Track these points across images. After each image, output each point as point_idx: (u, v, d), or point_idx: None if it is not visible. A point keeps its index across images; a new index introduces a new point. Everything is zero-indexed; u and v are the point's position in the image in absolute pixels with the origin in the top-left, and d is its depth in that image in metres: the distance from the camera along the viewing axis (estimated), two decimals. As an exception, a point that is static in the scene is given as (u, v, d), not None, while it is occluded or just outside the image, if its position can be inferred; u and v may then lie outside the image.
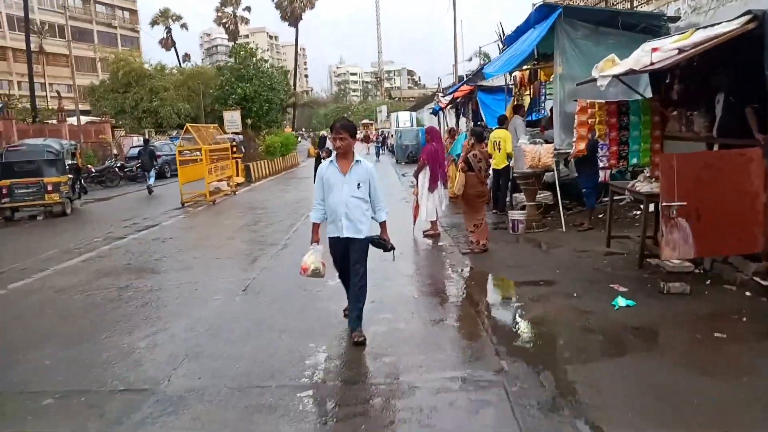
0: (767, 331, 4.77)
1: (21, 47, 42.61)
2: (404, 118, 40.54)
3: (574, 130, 8.05)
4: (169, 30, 63.61)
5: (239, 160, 20.58)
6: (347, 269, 4.88)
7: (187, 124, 15.61)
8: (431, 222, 9.55)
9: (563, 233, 9.10)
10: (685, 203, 5.70)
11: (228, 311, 5.79)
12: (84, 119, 37.36)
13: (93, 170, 23.48)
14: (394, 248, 4.99)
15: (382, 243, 4.92)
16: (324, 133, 33.55)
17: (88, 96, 43.80)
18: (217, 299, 6.23)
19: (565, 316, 5.27)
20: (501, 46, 25.21)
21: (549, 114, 12.49)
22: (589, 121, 7.72)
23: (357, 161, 4.79)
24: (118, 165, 24.67)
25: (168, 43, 63.75)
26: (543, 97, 11.66)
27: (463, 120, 24.83)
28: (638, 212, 10.16)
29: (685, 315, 5.10)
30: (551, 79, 12.20)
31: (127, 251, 9.32)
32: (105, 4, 57.96)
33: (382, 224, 5.01)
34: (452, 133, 21.97)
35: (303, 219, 11.92)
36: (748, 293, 5.61)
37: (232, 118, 19.95)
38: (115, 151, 31.16)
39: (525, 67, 12.43)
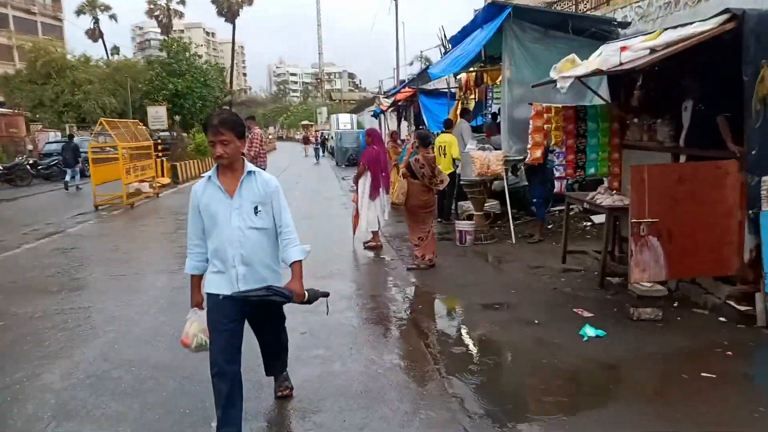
0: (760, 370, 4.18)
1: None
2: (344, 119, 39.56)
3: (529, 136, 7.39)
4: (96, 20, 59.92)
5: (165, 160, 19.01)
6: (238, 348, 3.18)
7: (102, 119, 14.04)
8: (372, 233, 8.67)
9: (514, 246, 8.44)
10: (657, 220, 5.09)
11: (120, 351, 4.65)
12: (-6, 111, 34.30)
13: (0, 167, 21.18)
14: (327, 295, 3.45)
15: (284, 296, 3.15)
16: (271, 129, 32.43)
17: (2, 87, 40.24)
18: (111, 332, 5.07)
19: (530, 351, 4.50)
20: (443, 49, 24.80)
21: (494, 119, 11.91)
22: (545, 126, 7.05)
23: (249, 173, 3.18)
24: (31, 162, 22.40)
25: (95, 34, 60.07)
26: (490, 101, 11.06)
27: (404, 124, 24.17)
28: (588, 224, 9.67)
29: (662, 348, 4.44)
30: (498, 83, 11.64)
31: (16, 265, 7.91)
32: (23, -12, 53.79)
33: (294, 267, 3.24)
34: (394, 136, 21.25)
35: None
36: (722, 318, 5.05)
37: (158, 113, 18.33)
38: (30, 147, 28.55)
39: (471, 69, 11.79)
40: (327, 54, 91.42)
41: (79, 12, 59.02)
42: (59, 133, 30.22)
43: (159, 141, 18.83)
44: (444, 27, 24.46)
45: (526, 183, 9.71)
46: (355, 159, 30.24)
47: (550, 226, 9.56)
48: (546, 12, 9.67)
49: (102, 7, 59.80)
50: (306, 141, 39.28)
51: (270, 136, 52.06)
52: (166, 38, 44.54)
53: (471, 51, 9.90)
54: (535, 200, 8.97)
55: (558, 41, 9.94)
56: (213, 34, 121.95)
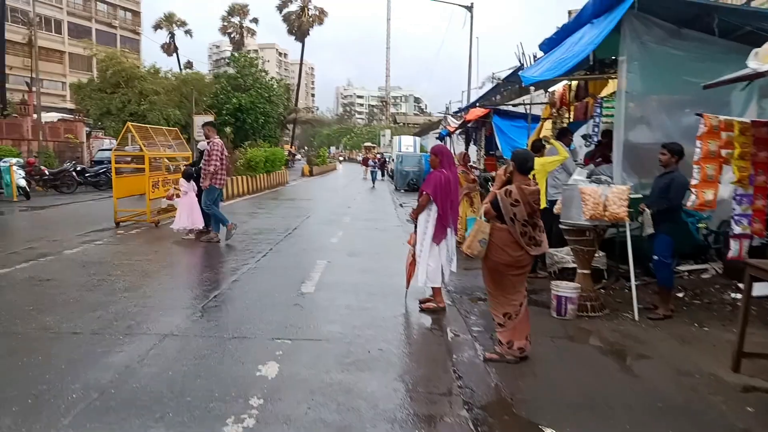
0: None
1: (10, 38, 39.75)
2: (407, 142, 37.43)
3: (696, 167, 4.70)
4: (172, 35, 60.91)
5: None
6: None
7: (129, 123, 12.33)
8: (433, 289, 6.17)
9: (637, 325, 5.73)
10: None
11: None
12: (56, 116, 34.19)
13: (47, 173, 20.12)
14: None
15: None
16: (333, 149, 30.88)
17: (75, 94, 40.59)
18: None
19: None
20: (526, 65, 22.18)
21: (598, 142, 9.22)
22: (723, 153, 4.38)
23: None
24: (78, 169, 21.29)
25: (170, 48, 61.01)
26: (597, 119, 8.42)
27: (473, 148, 21.60)
28: (738, 295, 6.79)
29: None
30: (608, 96, 8.98)
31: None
32: (107, 2, 55.32)
33: None
34: (465, 159, 18.74)
35: (255, 260, 8.54)
36: None
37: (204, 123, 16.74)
38: (87, 153, 27.93)
39: (573, 76, 9.16)
40: (394, 78, 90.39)
41: (157, 27, 60.27)
42: (114, 141, 29.48)
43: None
44: (522, 44, 21.96)
45: (651, 231, 6.97)
46: (416, 184, 27.87)
47: (680, 295, 6.78)
48: (684, 3, 7.04)
49: (178, 23, 60.82)
50: (365, 162, 37.20)
51: (337, 155, 50.49)
52: (234, 53, 44.07)
53: (578, 53, 7.33)
54: (657, 257, 6.23)
55: (694, 44, 7.32)
56: (285, 55, 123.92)
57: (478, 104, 18.83)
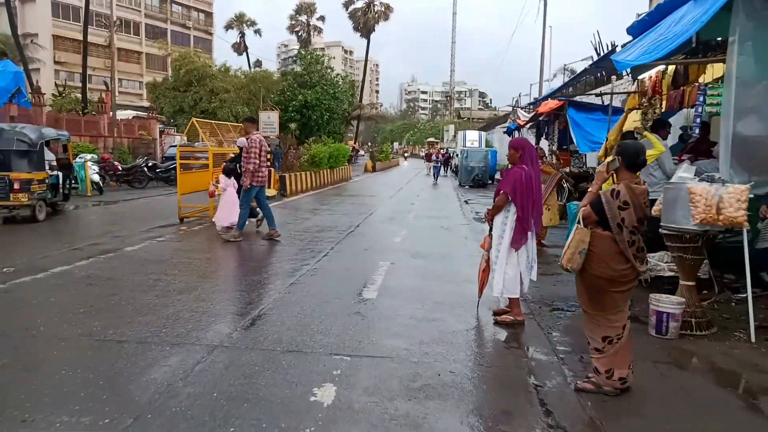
0: None
1: (93, 41, 41.74)
2: (472, 137, 36.29)
3: None
4: (242, 34, 62.26)
5: (272, 170, 17.11)
6: None
7: (193, 119, 12.23)
8: (510, 300, 5.45)
9: (754, 347, 4.81)
10: None
11: None
12: (131, 114, 35.41)
13: (120, 168, 20.69)
14: None
15: None
16: (396, 145, 30.27)
17: (150, 93, 42.15)
18: None
19: None
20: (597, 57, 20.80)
21: (697, 134, 8.12)
22: None
23: None
24: (149, 164, 21.78)
25: (241, 47, 62.39)
26: (699, 109, 7.36)
27: (544, 143, 20.43)
28: None
29: None
30: (708, 82, 7.88)
31: (9, 300, 5.73)
32: (181, 4, 57.16)
33: None
34: (539, 153, 17.75)
35: (316, 260, 8.07)
36: None
37: (269, 119, 16.58)
38: (159, 150, 28.71)
39: (671, 60, 8.08)
40: (459, 74, 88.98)
41: (228, 27, 61.74)
42: (185, 137, 30.19)
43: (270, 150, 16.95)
44: (599, 32, 20.55)
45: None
46: (482, 180, 26.91)
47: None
48: (811, -30, 5.93)
49: (249, 23, 62.08)
50: (429, 158, 36.32)
51: (401, 151, 50.00)
52: (301, 51, 44.36)
53: (679, 33, 6.35)
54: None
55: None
56: (351, 52, 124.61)
57: (550, 97, 17.76)
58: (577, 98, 17.58)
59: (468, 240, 10.28)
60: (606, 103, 17.37)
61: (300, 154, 19.60)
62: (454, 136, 55.94)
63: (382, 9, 55.35)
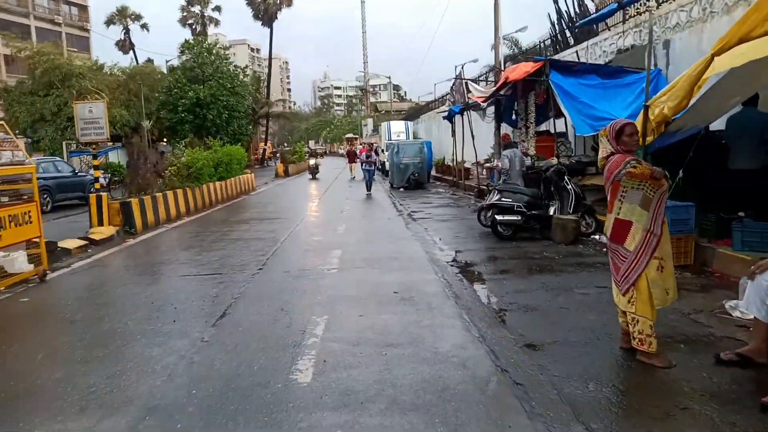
0: None
1: None
2: (398, 128, 30.50)
3: None
4: (127, 30, 53.21)
5: (105, 195, 10.32)
6: None
7: None
8: None
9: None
10: None
11: None
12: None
13: None
14: None
15: None
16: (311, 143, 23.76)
17: (1, 100, 33.04)
18: None
19: None
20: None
21: None
22: None
23: None
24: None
25: (126, 45, 53.31)
26: None
27: (505, 127, 14.77)
28: None
29: None
30: None
31: None
32: (45, -4, 47.36)
33: None
34: (506, 139, 11.95)
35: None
36: None
37: (91, 113, 9.82)
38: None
39: None
40: (371, 68, 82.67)
41: (109, 22, 52.35)
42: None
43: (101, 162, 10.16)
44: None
45: None
46: (418, 179, 21.08)
47: None
48: None
49: (133, 17, 53.05)
50: (351, 157, 29.72)
51: (312, 151, 43.28)
52: (188, 40, 36.65)
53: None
54: None
55: None
56: (258, 50, 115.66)
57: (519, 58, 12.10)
58: (562, 56, 12.03)
59: (461, 325, 4.29)
60: (601, 56, 11.96)
61: (164, 166, 12.92)
62: (374, 129, 50.07)
63: (284, -7, 48.39)
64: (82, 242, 9.31)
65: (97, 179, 10.51)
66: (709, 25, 9.53)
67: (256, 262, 7.85)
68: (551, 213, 9.16)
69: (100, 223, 10.19)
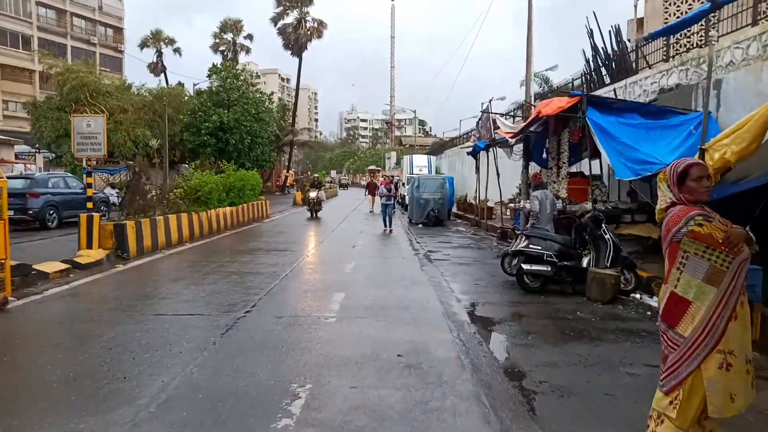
0: None
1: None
2: (420, 162, 29.68)
3: None
4: (159, 53, 54.21)
5: (96, 215, 9.53)
6: None
7: None
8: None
9: None
10: None
11: None
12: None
13: None
14: None
15: None
16: (333, 173, 22.29)
17: (29, 114, 33.29)
18: None
19: None
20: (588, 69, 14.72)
21: None
22: None
23: None
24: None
25: (157, 68, 54.21)
26: None
27: (534, 167, 13.77)
28: None
29: None
30: None
31: None
32: (84, 17, 48.42)
33: None
34: (537, 179, 10.92)
35: None
36: None
37: (89, 127, 9.10)
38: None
39: None
40: (397, 103, 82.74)
41: (143, 45, 53.48)
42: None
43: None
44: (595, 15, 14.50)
45: None
46: (438, 215, 20.05)
47: None
48: None
49: (166, 41, 54.10)
50: (372, 190, 28.19)
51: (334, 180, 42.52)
52: (216, 65, 36.73)
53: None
54: None
55: None
56: (288, 80, 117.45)
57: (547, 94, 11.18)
58: (604, 91, 11.11)
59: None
60: (641, 96, 11.06)
61: (171, 187, 12.11)
62: (397, 162, 49.44)
63: (315, 25, 48.76)
64: (65, 266, 8.47)
65: (90, 198, 9.73)
66: (770, 64, 8.49)
67: (247, 302, 6.88)
68: (585, 265, 8.06)
69: (89, 246, 9.38)
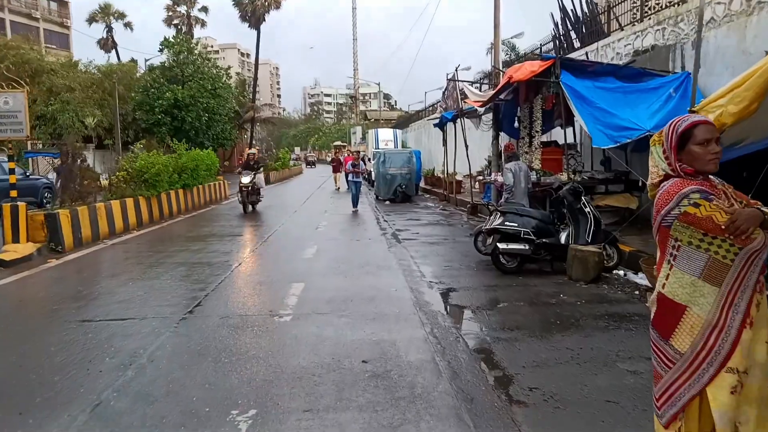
0: None
1: None
2: (385, 136, 28.78)
3: None
4: (109, 29, 51.11)
5: (21, 204, 8.41)
6: None
7: None
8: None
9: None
10: None
11: None
12: None
13: None
14: None
15: None
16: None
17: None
18: None
19: None
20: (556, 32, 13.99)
21: None
22: None
23: None
24: None
25: (108, 44, 51.17)
26: None
27: (504, 137, 13.08)
28: None
29: None
30: None
31: None
32: (23, -10, 45.20)
33: None
34: (510, 149, 10.20)
35: None
36: None
37: (7, 104, 7.96)
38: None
39: None
40: (361, 76, 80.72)
41: (91, 20, 50.29)
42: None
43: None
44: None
45: None
46: (406, 191, 19.34)
47: None
48: None
49: (116, 15, 51.00)
50: (336, 167, 27.18)
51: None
52: (167, 38, 34.67)
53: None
54: None
55: None
56: (248, 55, 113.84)
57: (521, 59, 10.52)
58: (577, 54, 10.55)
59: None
60: (615, 59, 10.44)
61: (115, 169, 10.96)
62: (363, 137, 48.34)
63: (272, -5, 46.63)
64: (-17, 264, 7.39)
65: (14, 185, 8.54)
66: (755, 20, 7.89)
67: (191, 300, 6.01)
68: (563, 241, 7.44)
69: (16, 240, 8.28)
